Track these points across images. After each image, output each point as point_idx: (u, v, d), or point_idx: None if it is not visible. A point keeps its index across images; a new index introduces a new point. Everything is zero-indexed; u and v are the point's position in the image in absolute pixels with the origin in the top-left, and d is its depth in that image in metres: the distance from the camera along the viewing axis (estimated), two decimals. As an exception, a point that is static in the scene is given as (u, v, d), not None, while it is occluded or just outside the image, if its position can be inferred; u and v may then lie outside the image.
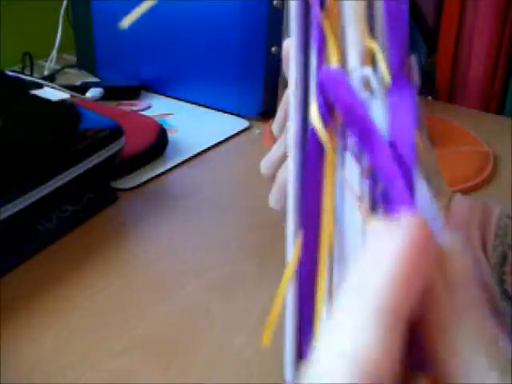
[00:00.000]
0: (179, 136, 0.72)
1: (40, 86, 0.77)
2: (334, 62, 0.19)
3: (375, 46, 0.19)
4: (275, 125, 0.38)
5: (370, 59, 0.19)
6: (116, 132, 0.57)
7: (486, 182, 0.64)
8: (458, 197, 0.41)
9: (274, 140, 0.39)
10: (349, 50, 0.19)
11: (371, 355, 0.15)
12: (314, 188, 0.19)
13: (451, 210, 0.39)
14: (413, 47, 0.81)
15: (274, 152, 0.38)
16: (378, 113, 0.18)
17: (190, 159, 0.68)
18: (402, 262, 0.16)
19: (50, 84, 0.79)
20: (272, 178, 0.39)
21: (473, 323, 0.17)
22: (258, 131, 0.76)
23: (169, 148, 0.69)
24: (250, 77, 0.76)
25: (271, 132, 0.39)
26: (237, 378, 0.40)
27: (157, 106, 0.81)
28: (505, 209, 0.40)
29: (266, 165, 0.39)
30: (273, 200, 0.38)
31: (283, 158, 0.37)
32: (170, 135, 0.70)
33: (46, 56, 0.93)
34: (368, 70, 0.19)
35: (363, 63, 0.19)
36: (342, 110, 0.18)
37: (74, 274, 0.48)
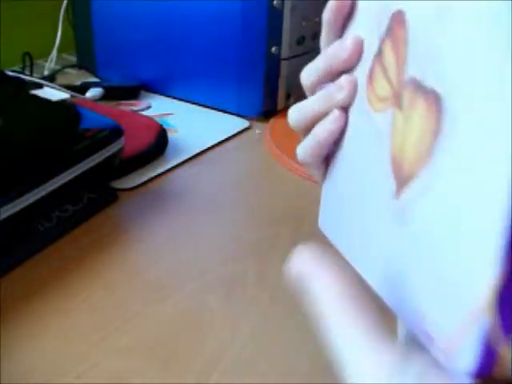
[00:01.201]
0: (179, 136, 0.72)
1: (40, 86, 0.77)
2: None
3: None
4: (310, 74, 0.33)
5: None
6: (116, 132, 0.57)
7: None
8: None
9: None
10: None
11: None
12: None
13: None
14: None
15: (310, 104, 0.33)
16: None
17: (190, 159, 0.68)
18: None
19: (49, 84, 0.79)
20: (304, 129, 0.34)
21: None
22: (258, 131, 0.76)
23: (169, 148, 0.69)
24: (249, 77, 0.76)
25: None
26: (236, 378, 0.40)
27: (157, 106, 0.81)
28: None
29: (297, 115, 0.34)
30: (301, 152, 0.34)
31: (321, 113, 0.33)
32: (170, 135, 0.70)
33: (46, 56, 0.93)
34: None
35: None
36: None
37: (73, 273, 0.48)
